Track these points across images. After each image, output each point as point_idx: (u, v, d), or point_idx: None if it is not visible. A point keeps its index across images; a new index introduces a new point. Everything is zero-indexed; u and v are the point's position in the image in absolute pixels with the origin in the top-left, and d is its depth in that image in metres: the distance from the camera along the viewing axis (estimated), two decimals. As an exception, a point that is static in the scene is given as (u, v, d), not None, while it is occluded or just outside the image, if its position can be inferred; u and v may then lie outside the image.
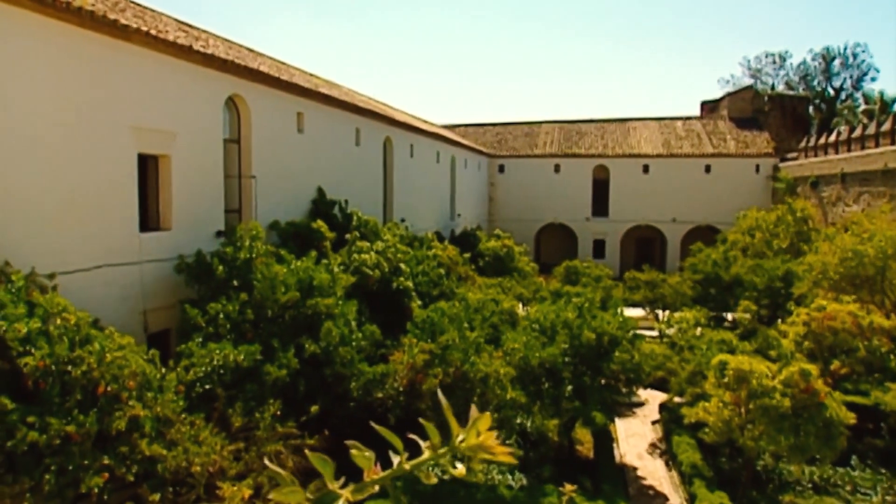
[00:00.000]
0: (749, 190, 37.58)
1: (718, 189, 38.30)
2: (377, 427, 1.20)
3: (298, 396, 10.47)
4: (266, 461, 1.19)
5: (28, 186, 9.85)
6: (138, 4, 15.02)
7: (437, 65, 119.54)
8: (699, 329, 18.44)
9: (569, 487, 2.89)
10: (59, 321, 8.18)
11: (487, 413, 1.13)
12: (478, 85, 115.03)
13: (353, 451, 1.12)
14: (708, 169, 39.04)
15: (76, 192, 10.73)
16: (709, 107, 45.48)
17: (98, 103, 11.16)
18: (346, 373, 11.40)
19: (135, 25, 11.66)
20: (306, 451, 1.10)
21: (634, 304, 24.74)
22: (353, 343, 11.79)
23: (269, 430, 8.96)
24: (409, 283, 15.22)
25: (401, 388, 11.14)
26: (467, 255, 23.95)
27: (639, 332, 16.09)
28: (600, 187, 41.01)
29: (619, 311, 17.10)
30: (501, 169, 43.26)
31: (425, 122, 35.93)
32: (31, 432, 7.06)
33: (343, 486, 1.10)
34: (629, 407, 18.24)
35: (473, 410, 1.17)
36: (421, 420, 1.23)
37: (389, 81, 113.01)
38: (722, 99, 44.99)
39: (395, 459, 1.14)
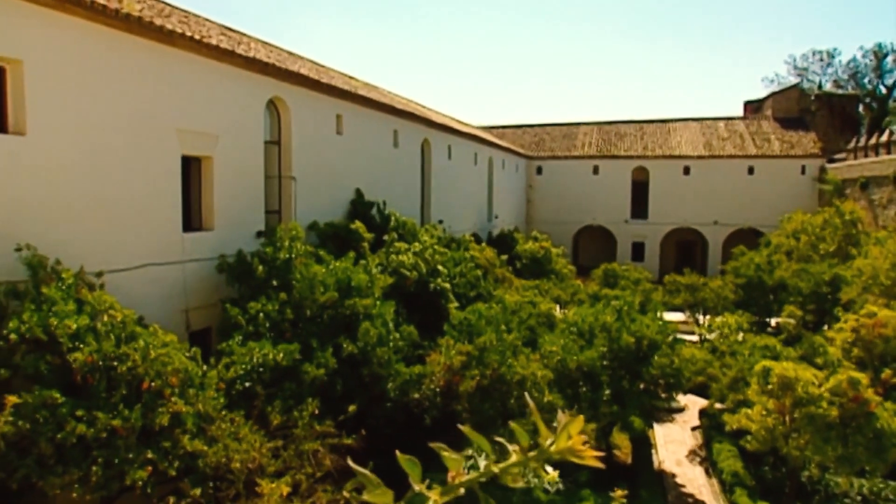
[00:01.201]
0: (794, 192, 36.63)
1: (762, 191, 37.43)
2: (463, 429, 1.19)
3: (336, 396, 10.56)
4: (350, 462, 1.19)
5: (79, 188, 10.16)
6: (183, 10, 15.36)
7: (475, 66, 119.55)
8: (741, 334, 18.04)
9: (619, 493, 2.83)
10: (106, 318, 8.40)
11: (581, 416, 1.12)
12: (516, 86, 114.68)
13: (444, 454, 1.11)
14: (751, 170, 38.18)
15: (123, 194, 11.02)
16: (752, 107, 44.50)
17: (145, 106, 11.45)
18: (383, 373, 11.45)
19: (180, 30, 11.92)
20: (397, 453, 1.10)
21: (674, 308, 24.31)
22: (391, 343, 11.84)
23: (307, 429, 9.04)
24: (447, 285, 15.23)
25: (437, 390, 11.14)
26: (504, 257, 23.89)
27: (679, 336, 15.81)
28: (640, 189, 40.44)
29: (658, 314, 16.83)
30: (539, 170, 42.99)
31: (463, 123, 35.93)
32: (79, 425, 7.26)
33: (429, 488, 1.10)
34: (668, 412, 17.93)
35: (560, 415, 1.15)
36: (511, 423, 1.22)
37: (428, 83, 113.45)
38: (766, 98, 43.95)
39: (482, 462, 1.13)
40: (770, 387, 10.88)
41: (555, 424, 1.14)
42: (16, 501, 7.53)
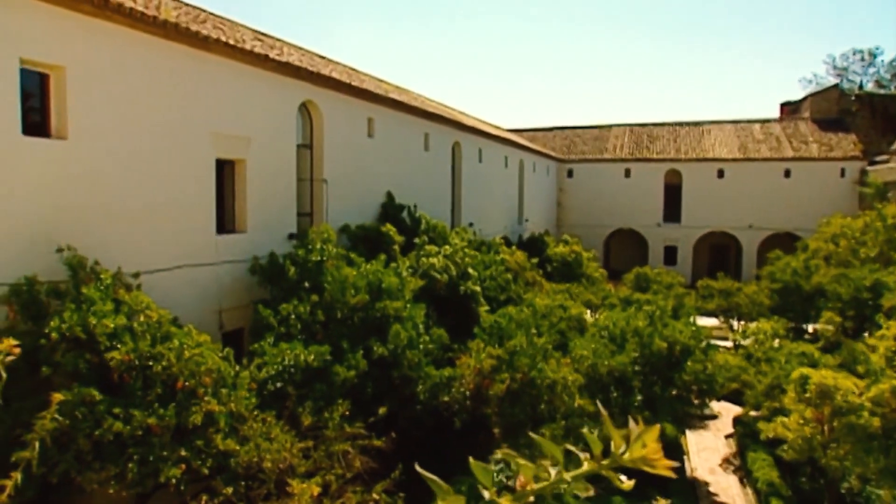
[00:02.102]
0: (833, 195, 35.77)
1: (799, 194, 36.64)
2: (535, 437, 1.18)
3: (366, 397, 10.60)
4: (417, 467, 1.18)
5: (117, 190, 10.38)
6: (217, 15, 15.62)
7: (505, 69, 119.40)
8: (777, 340, 17.67)
9: (662, 502, 2.80)
10: (142, 318, 8.56)
11: (657, 426, 1.10)
12: (547, 89, 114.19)
13: (519, 461, 1.10)
14: (788, 173, 37.41)
15: (159, 196, 11.23)
16: (789, 108, 43.62)
17: (180, 111, 11.66)
18: (414, 376, 11.47)
19: (215, 36, 12.12)
20: (470, 460, 1.09)
21: (707, 314, 23.96)
22: (421, 346, 11.85)
23: (337, 430, 9.09)
24: (477, 288, 15.20)
25: (467, 393, 11.12)
26: (535, 261, 23.78)
27: (712, 342, 15.56)
28: (672, 192, 39.91)
29: (691, 319, 16.60)
30: (570, 173, 42.71)
31: (494, 126, 35.88)
32: (116, 423, 7.41)
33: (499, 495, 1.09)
34: (701, 419, 17.66)
35: (632, 424, 1.14)
36: (583, 431, 1.21)
37: (458, 86, 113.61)
38: (804, 100, 43.03)
39: (552, 471, 1.11)
40: (808, 395, 10.64)
41: (626, 433, 1.12)
42: (55, 495, 7.71)
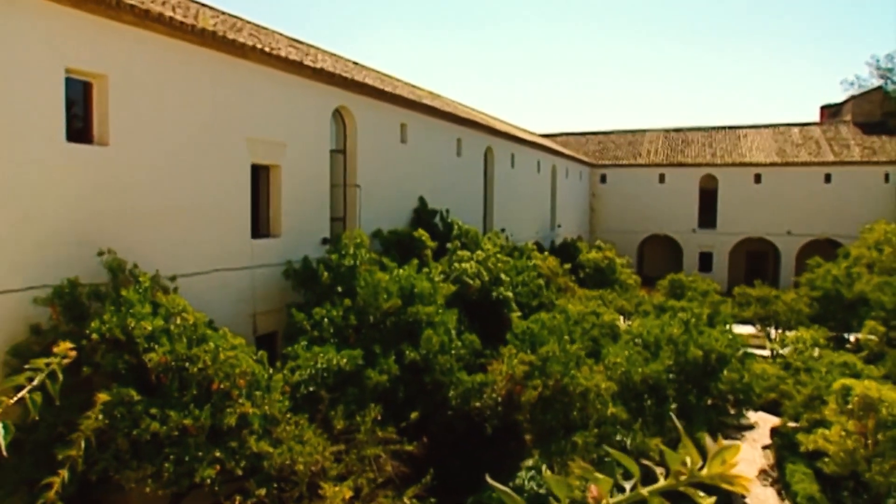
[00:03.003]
0: (876, 200, 34.80)
1: (840, 200, 35.72)
2: (610, 450, 1.16)
3: (398, 402, 10.62)
4: (488, 478, 1.17)
5: (155, 195, 10.60)
6: (253, 23, 15.88)
7: (538, 73, 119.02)
8: (817, 350, 17.25)
9: (707, 501, 2.69)
10: (179, 320, 8.71)
11: (739, 444, 1.07)
12: (579, 93, 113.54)
13: (597, 475, 1.09)
14: (828, 178, 36.51)
15: (196, 201, 11.44)
16: (829, 111, 42.59)
17: (217, 117, 11.87)
18: (445, 381, 11.46)
19: (251, 43, 12.32)
20: (545, 473, 1.07)
21: (744, 321, 23.46)
22: (453, 351, 11.84)
23: (369, 434, 9.13)
24: (509, 294, 15.14)
25: (499, 399, 11.07)
26: (567, 266, 23.60)
27: (749, 350, 15.27)
28: (708, 198, 39.27)
29: (727, 327, 16.31)
30: (603, 179, 42.34)
31: (526, 131, 35.77)
32: (153, 423, 7.54)
33: None
34: (737, 429, 17.29)
35: (707, 441, 1.12)
36: (661, 446, 1.19)
37: (491, 91, 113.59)
38: (845, 102, 41.97)
39: (628, 484, 1.10)
40: (850, 407, 10.35)
41: (707, 449, 1.09)
42: (95, 492, 7.87)
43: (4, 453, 1.34)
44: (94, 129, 9.83)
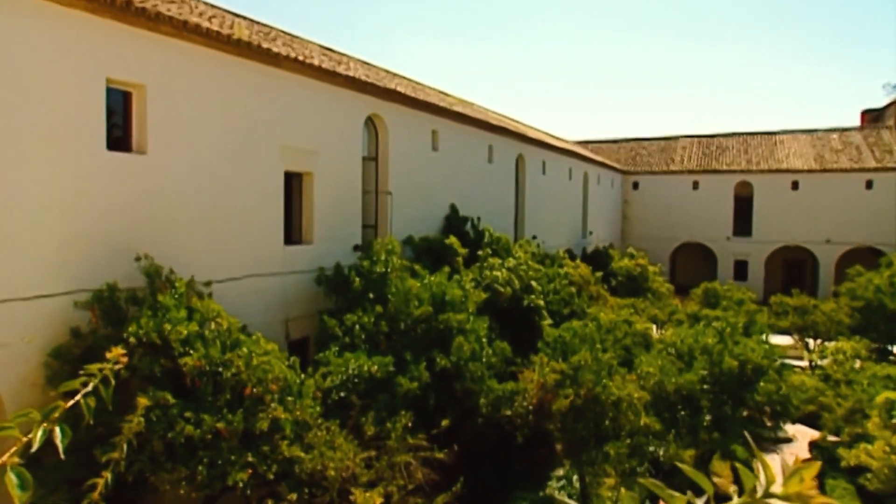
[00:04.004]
0: (920, 208, 33.83)
1: (882, 207, 34.74)
2: (684, 468, 1.14)
3: (428, 409, 10.61)
4: (640, 480, 1.16)
5: (191, 202, 10.80)
6: (286, 33, 16.11)
7: (570, 80, 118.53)
8: (858, 362, 16.77)
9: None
10: (213, 325, 8.84)
11: (817, 463, 1.05)
12: (611, 100, 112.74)
13: (671, 492, 1.07)
14: (869, 184, 35.57)
15: (231, 208, 11.62)
16: (871, 116, 41.56)
17: (251, 125, 12.05)
18: (476, 388, 11.42)
19: (284, 52, 12.50)
20: (649, 480, 1.06)
21: (781, 332, 22.94)
22: (484, 359, 11.80)
23: (400, 441, 9.14)
24: (540, 301, 15.05)
25: (530, 407, 10.99)
26: (599, 274, 23.38)
27: (786, 361, 14.93)
28: (743, 205, 38.60)
29: (764, 337, 15.98)
30: (636, 186, 41.93)
31: (558, 138, 35.62)
32: (187, 426, 7.65)
33: None
34: (774, 442, 16.89)
35: (787, 458, 1.09)
36: (736, 464, 1.16)
37: (522, 98, 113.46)
38: (888, 106, 40.88)
39: (700, 501, 1.07)
40: (894, 421, 10.03)
41: (782, 470, 1.06)
42: (131, 493, 8.00)
43: (63, 455, 1.37)
44: (133, 138, 10.06)
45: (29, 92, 8.34)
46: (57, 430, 1.36)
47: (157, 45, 10.08)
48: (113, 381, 1.50)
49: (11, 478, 1.25)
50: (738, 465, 1.08)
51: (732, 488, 1.05)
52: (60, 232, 8.78)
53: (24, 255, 8.31)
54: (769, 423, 14.71)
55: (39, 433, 1.33)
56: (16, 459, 1.27)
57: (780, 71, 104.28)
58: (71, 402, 1.40)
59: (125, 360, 1.56)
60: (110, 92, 9.56)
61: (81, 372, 1.51)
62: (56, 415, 1.38)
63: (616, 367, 11.99)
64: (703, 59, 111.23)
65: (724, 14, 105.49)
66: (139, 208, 9.88)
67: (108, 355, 1.57)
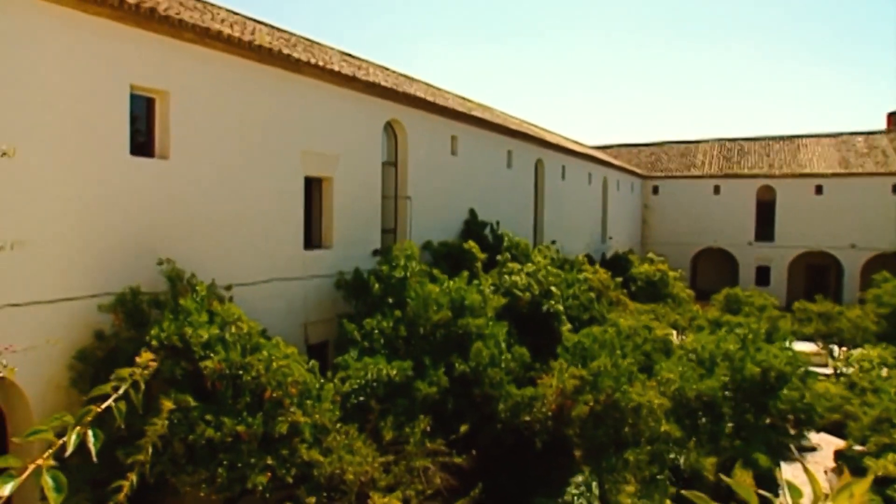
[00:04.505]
0: (948, 213, 33.18)
1: (909, 212, 34.16)
2: (728, 481, 1.12)
3: (447, 414, 10.60)
4: (684, 492, 1.15)
5: (213, 207, 10.90)
6: (306, 39, 16.24)
7: (589, 85, 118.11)
8: (885, 369, 16.48)
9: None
10: (234, 329, 8.90)
11: (868, 478, 1.03)
12: (632, 104, 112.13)
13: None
14: (896, 189, 35.02)
15: (252, 212, 11.71)
16: (897, 119, 40.90)
17: (272, 130, 12.15)
18: (495, 394, 11.39)
19: (305, 58, 12.59)
20: (693, 493, 1.04)
21: (804, 338, 22.65)
22: (503, 364, 11.76)
23: (418, 446, 9.13)
24: (560, 307, 14.98)
25: (549, 413, 10.94)
26: (619, 280, 23.24)
27: (810, 368, 14.71)
28: (765, 209, 38.15)
29: (787, 344, 15.77)
30: (655, 190, 41.64)
31: (577, 143, 35.51)
32: (208, 429, 7.71)
33: None
34: (798, 451, 16.64)
35: (836, 474, 1.07)
36: (786, 480, 1.14)
37: (541, 103, 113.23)
38: (914, 110, 40.23)
39: None
40: (922, 429, 9.83)
41: (830, 486, 1.05)
42: (152, 495, 8.08)
43: (95, 459, 1.40)
44: (155, 144, 10.19)
45: (57, 99, 8.49)
46: (89, 433, 1.39)
47: (180, 51, 10.21)
48: (143, 386, 1.53)
49: (47, 480, 1.29)
50: (787, 480, 1.06)
51: (778, 500, 1.03)
52: (85, 236, 8.91)
53: (50, 258, 8.44)
54: (793, 432, 14.50)
55: (73, 436, 1.37)
56: (51, 462, 1.30)
57: (803, 74, 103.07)
58: (103, 406, 1.43)
59: (154, 364, 1.59)
60: (134, 98, 9.69)
61: (112, 376, 1.54)
62: (89, 418, 1.41)
63: (636, 374, 11.91)
64: (723, 63, 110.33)
65: (745, 17, 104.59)
66: (161, 213, 10.00)
67: (138, 360, 1.60)
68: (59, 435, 1.38)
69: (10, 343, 7.13)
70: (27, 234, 7.98)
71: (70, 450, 1.36)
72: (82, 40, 8.79)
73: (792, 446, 15.87)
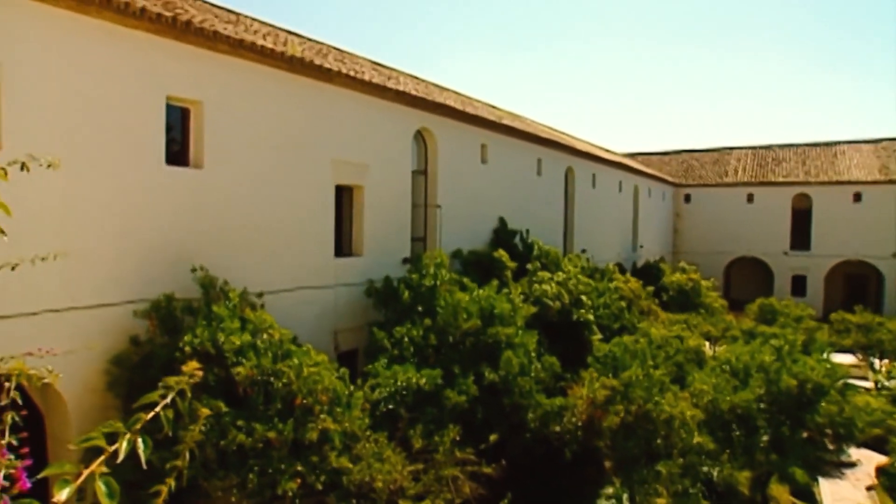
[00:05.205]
0: None
1: (953, 220, 33.16)
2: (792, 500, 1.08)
3: (476, 423, 10.56)
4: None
5: (245, 215, 11.05)
6: (336, 48, 16.42)
7: (619, 92, 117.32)
8: (929, 383, 15.99)
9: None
10: (265, 336, 8.99)
11: None
12: (662, 111, 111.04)
13: None
14: (938, 197, 34.03)
15: (283, 221, 11.85)
16: (939, 127, 39.85)
17: (303, 139, 12.29)
18: (524, 403, 11.31)
19: (336, 68, 12.73)
20: None
21: (843, 350, 22.08)
22: (532, 374, 11.68)
23: (447, 455, 9.10)
24: (590, 316, 14.85)
25: (579, 424, 10.82)
26: (650, 289, 22.96)
27: (850, 381, 14.34)
28: (800, 218, 37.38)
29: (825, 356, 15.39)
30: (687, 198, 41.11)
31: (607, 151, 35.27)
32: (239, 434, 7.78)
33: None
34: (837, 467, 16.18)
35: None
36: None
37: (571, 111, 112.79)
38: (956, 118, 39.17)
39: None
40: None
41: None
42: (185, 498, 8.17)
43: (144, 466, 1.44)
44: (190, 153, 10.38)
45: (97, 111, 8.70)
46: (139, 440, 1.42)
47: (214, 62, 10.40)
48: (189, 394, 1.56)
49: (100, 486, 1.33)
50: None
51: None
52: (122, 243, 9.10)
53: (89, 265, 8.63)
54: (831, 447, 14.10)
55: (124, 444, 1.41)
56: (104, 468, 1.34)
57: (840, 79, 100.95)
58: (151, 414, 1.46)
59: (200, 373, 1.61)
60: (170, 108, 9.89)
61: (160, 384, 1.57)
62: (138, 426, 1.44)
63: (668, 384, 11.72)
64: (757, 69, 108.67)
65: (780, 23, 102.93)
66: (195, 221, 10.17)
67: (185, 368, 1.63)
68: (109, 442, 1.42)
69: (50, 347, 7.30)
70: (69, 242, 8.18)
71: (122, 456, 1.40)
72: (122, 53, 9.01)
73: (831, 461, 15.45)
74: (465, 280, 13.28)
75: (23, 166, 1.86)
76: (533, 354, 12.19)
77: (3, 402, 1.67)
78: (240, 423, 7.91)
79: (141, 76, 9.29)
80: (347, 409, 8.99)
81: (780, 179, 38.29)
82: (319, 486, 8.25)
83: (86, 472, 1.32)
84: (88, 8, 8.34)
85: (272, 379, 8.41)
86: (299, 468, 8.05)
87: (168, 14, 9.25)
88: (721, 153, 42.96)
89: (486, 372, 11.15)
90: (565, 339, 14.42)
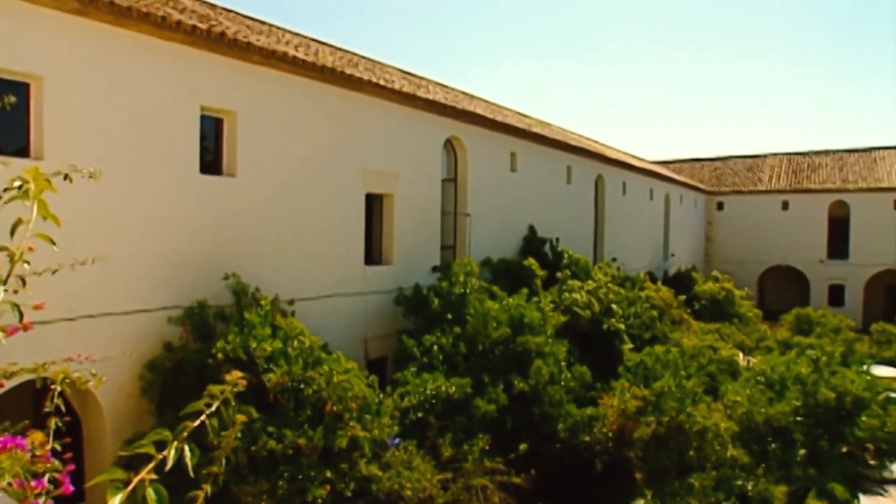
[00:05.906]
0: None
1: None
2: None
3: (505, 432, 10.50)
4: None
5: (276, 223, 11.19)
6: (366, 58, 16.57)
7: (650, 99, 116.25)
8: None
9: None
10: (296, 343, 9.07)
11: None
12: (694, 118, 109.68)
13: None
14: (984, 203, 32.98)
15: (314, 229, 11.96)
16: (983, 133, 38.72)
17: (333, 148, 12.41)
18: (554, 413, 11.22)
19: (366, 77, 12.84)
20: None
21: (884, 362, 21.47)
22: (562, 383, 11.59)
23: (476, 464, 9.07)
24: (621, 325, 14.70)
25: (610, 434, 10.70)
26: (682, 298, 22.64)
27: (892, 394, 13.92)
28: (838, 226, 36.52)
29: (864, 368, 14.99)
30: (720, 206, 40.49)
31: (638, 158, 34.94)
32: (270, 440, 7.86)
33: None
34: (880, 483, 15.67)
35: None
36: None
37: (601, 118, 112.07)
38: None
39: None
40: None
41: None
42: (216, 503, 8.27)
43: (192, 474, 1.47)
44: (223, 162, 10.55)
45: (134, 121, 8.91)
46: (186, 448, 1.45)
47: (247, 73, 10.57)
48: (233, 402, 1.58)
49: (150, 493, 1.37)
50: None
51: None
52: (157, 250, 9.27)
53: (125, 271, 8.81)
54: (873, 462, 13.70)
55: (172, 452, 1.44)
56: (153, 475, 1.38)
57: (878, 84, 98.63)
58: (197, 422, 1.49)
59: (244, 382, 1.63)
60: (203, 118, 10.07)
61: (205, 393, 1.59)
62: (185, 434, 1.47)
63: (701, 395, 11.53)
64: (792, 75, 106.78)
65: (815, 28, 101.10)
66: (228, 229, 10.32)
67: (228, 377, 1.65)
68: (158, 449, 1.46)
69: (88, 352, 7.45)
70: (106, 249, 8.36)
71: (170, 464, 1.44)
72: (158, 66, 9.22)
73: (872, 477, 15.00)
74: (495, 288, 13.25)
75: (66, 177, 1.91)
76: (563, 363, 12.10)
77: (48, 409, 1.71)
78: (270, 429, 7.98)
79: (176, 87, 9.49)
80: (377, 417, 9.02)
81: (817, 186, 37.50)
82: (348, 494, 8.27)
83: (136, 479, 1.36)
84: (126, 22, 8.55)
85: (303, 386, 8.48)
86: (329, 475, 8.09)
87: (203, 26, 9.44)
88: (755, 160, 42.27)
89: (515, 381, 11.09)
90: (596, 349, 14.28)
